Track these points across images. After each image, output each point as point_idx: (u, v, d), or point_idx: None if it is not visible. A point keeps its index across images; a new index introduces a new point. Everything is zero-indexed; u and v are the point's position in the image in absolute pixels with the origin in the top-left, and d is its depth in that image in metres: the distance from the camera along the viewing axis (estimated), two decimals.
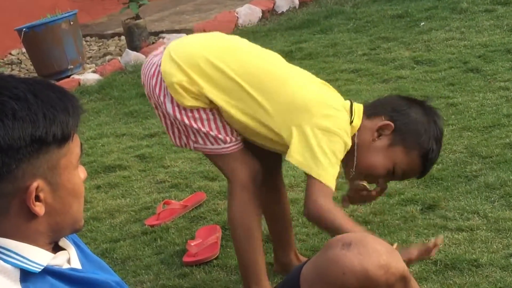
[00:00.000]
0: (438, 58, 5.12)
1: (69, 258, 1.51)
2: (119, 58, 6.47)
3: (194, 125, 2.50)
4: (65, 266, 1.49)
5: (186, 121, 2.49)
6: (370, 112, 2.53)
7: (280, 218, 2.84)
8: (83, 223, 1.51)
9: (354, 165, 2.50)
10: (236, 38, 2.68)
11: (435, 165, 3.44)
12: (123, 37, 7.03)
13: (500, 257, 2.69)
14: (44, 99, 1.38)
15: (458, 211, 3.06)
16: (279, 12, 7.45)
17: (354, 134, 2.49)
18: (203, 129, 2.50)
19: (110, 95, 5.61)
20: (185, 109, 2.48)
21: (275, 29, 6.78)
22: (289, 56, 5.75)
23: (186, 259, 3.03)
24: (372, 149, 2.49)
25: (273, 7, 7.49)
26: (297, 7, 7.50)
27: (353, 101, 2.58)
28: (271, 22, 7.17)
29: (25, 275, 1.39)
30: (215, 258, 3.02)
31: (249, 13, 7.29)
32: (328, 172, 2.38)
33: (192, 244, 3.05)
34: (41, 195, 1.38)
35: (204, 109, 2.50)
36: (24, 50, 6.91)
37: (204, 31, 6.92)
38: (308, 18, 6.80)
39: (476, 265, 2.67)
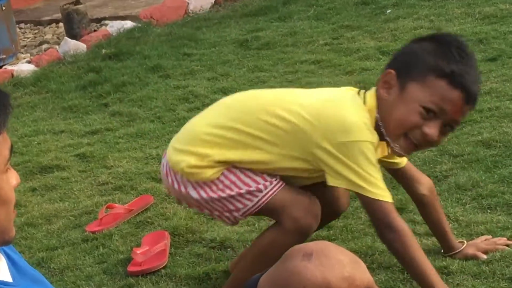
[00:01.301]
0: None
1: None
2: (56, 47, 6.41)
3: (224, 194, 2.52)
4: None
5: (215, 195, 2.53)
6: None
7: None
8: (14, 234, 1.49)
9: (385, 135, 2.48)
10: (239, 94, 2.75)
11: None
12: (61, 24, 6.96)
13: (472, 264, 2.71)
14: None
15: None
16: None
17: (376, 117, 2.49)
18: (233, 193, 2.52)
19: (47, 88, 5.55)
20: (207, 184, 2.52)
21: (229, 16, 6.77)
22: (245, 45, 5.76)
23: (131, 268, 3.00)
24: (389, 106, 2.46)
25: None
26: None
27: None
28: (225, 8, 7.16)
29: None
30: (163, 267, 3.00)
31: None
32: (381, 187, 2.42)
33: (138, 252, 3.03)
34: None
35: (223, 172, 2.53)
36: None
37: (151, 17, 6.89)
38: (265, 4, 6.80)
39: (446, 272, 2.69)
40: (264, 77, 5.04)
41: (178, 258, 3.07)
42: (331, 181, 2.45)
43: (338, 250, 1.83)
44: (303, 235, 2.50)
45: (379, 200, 2.41)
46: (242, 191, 2.52)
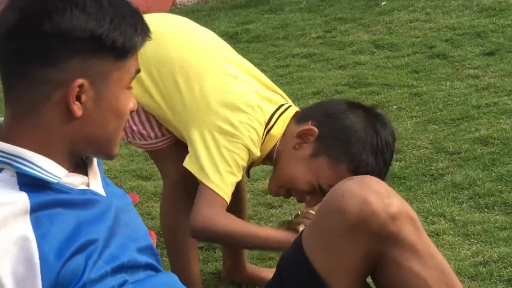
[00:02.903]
0: (401, 42, 5.16)
1: (88, 183, 1.62)
2: None
3: None
4: (81, 188, 1.60)
5: None
6: (301, 116, 2.48)
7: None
8: (117, 152, 1.63)
9: (272, 176, 2.50)
10: (168, 17, 2.69)
11: (397, 163, 3.50)
12: None
13: (469, 265, 2.72)
14: (117, 8, 1.53)
15: (422, 213, 3.08)
16: None
17: (276, 143, 2.45)
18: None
19: None
20: None
21: (218, 7, 6.77)
22: (234, 38, 5.75)
23: None
24: (293, 158, 2.42)
25: None
26: None
27: (289, 105, 2.52)
28: (214, 0, 7.15)
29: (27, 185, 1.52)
30: None
31: None
32: (224, 181, 2.36)
33: None
34: (83, 97, 1.52)
35: None
36: None
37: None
38: None
39: None
40: None
41: (164, 259, 3.05)
42: (186, 164, 2.43)
43: (377, 180, 1.87)
44: (185, 183, 2.55)
45: (212, 188, 2.36)
46: (134, 127, 2.55)
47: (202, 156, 2.38)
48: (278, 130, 2.45)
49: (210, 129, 2.38)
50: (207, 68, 2.47)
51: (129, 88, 1.61)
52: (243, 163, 2.40)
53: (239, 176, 2.40)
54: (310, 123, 2.41)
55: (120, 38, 1.53)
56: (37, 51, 1.51)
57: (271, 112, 2.47)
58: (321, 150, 2.39)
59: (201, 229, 2.36)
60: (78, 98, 1.53)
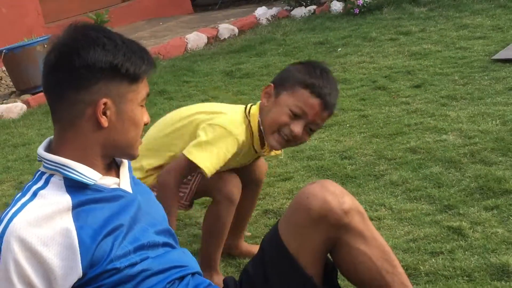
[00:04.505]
0: (352, 77, 5.18)
1: (119, 183, 1.62)
2: None
3: None
4: (113, 187, 1.60)
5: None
6: None
7: (247, 207, 2.82)
8: (137, 154, 1.64)
9: (263, 133, 2.48)
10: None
11: (349, 166, 3.49)
12: None
13: (402, 242, 2.72)
14: (128, 45, 1.56)
15: (368, 203, 3.09)
16: (222, 38, 7.45)
17: (258, 117, 2.49)
18: None
19: None
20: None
21: (218, 52, 6.77)
22: (230, 75, 5.76)
23: None
24: (267, 110, 2.45)
25: (217, 34, 7.48)
26: (236, 34, 7.51)
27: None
28: (215, 46, 7.16)
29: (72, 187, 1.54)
30: None
31: (196, 39, 7.27)
32: (202, 153, 2.39)
33: None
34: (108, 112, 1.54)
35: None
36: (4, 68, 6.75)
37: (159, 53, 6.88)
38: (246, 44, 6.81)
39: None
40: (245, 100, 5.03)
41: (178, 237, 3.03)
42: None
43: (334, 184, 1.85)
44: (230, 200, 2.51)
45: (187, 156, 2.39)
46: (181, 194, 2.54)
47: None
48: (254, 111, 2.49)
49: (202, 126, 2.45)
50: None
51: (142, 106, 1.62)
52: (223, 143, 2.41)
53: (214, 152, 2.40)
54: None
55: (131, 66, 1.54)
56: (72, 80, 1.52)
57: (244, 107, 2.54)
58: (280, 90, 2.43)
59: (159, 185, 2.43)
60: (104, 113, 1.54)
